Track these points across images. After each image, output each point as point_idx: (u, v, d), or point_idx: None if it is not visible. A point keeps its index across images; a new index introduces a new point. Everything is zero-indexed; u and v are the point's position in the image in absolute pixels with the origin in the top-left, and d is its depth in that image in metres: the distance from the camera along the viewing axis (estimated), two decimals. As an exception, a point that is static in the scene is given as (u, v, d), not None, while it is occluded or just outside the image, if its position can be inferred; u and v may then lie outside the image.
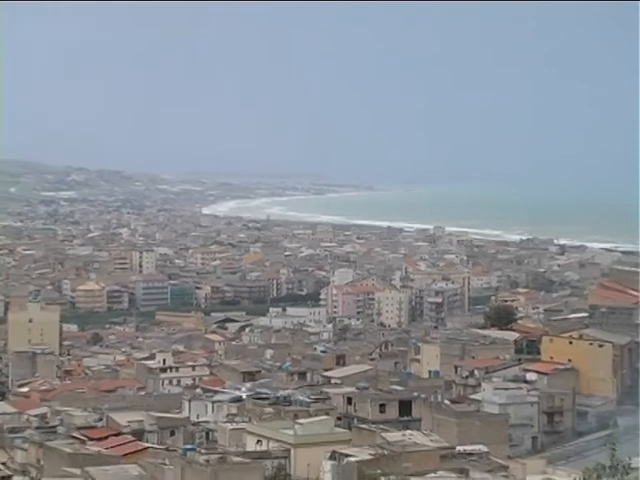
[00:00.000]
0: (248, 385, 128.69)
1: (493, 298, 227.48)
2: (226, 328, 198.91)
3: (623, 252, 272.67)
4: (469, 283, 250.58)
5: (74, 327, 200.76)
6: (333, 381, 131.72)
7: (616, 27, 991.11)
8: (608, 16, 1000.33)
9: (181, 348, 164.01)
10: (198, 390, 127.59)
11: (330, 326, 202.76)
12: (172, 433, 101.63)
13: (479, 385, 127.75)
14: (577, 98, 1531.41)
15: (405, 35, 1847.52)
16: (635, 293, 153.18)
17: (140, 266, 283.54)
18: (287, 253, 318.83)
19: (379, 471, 72.03)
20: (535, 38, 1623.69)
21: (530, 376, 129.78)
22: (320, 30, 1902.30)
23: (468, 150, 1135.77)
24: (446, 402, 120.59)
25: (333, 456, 74.60)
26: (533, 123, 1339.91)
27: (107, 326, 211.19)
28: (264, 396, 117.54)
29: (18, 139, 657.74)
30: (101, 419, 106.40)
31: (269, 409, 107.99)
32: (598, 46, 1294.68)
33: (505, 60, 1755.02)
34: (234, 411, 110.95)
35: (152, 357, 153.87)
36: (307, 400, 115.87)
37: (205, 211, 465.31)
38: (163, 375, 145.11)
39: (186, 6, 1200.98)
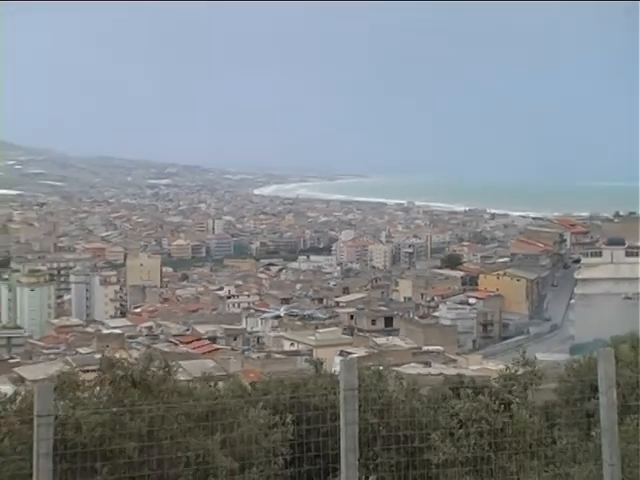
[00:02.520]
0: (285, 307, 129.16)
1: (447, 249, 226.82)
2: (270, 270, 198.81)
3: (533, 218, 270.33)
4: (431, 239, 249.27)
5: (170, 269, 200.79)
6: (341, 304, 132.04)
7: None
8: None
9: (240, 283, 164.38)
10: (251, 310, 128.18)
11: (339, 268, 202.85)
12: (235, 338, 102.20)
13: (437, 306, 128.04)
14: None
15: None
16: (541, 245, 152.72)
17: (213, 229, 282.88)
18: (310, 220, 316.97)
19: (371, 363, 72.16)
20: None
21: (471, 300, 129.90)
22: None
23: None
24: (416, 318, 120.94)
25: (341, 353, 74.84)
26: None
27: (191, 268, 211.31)
28: (295, 314, 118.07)
29: (127, 142, 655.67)
30: (188, 329, 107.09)
31: (299, 323, 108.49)
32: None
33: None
34: (276, 324, 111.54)
35: (221, 289, 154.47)
36: (323, 317, 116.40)
37: (255, 192, 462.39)
38: (228, 300, 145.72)
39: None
